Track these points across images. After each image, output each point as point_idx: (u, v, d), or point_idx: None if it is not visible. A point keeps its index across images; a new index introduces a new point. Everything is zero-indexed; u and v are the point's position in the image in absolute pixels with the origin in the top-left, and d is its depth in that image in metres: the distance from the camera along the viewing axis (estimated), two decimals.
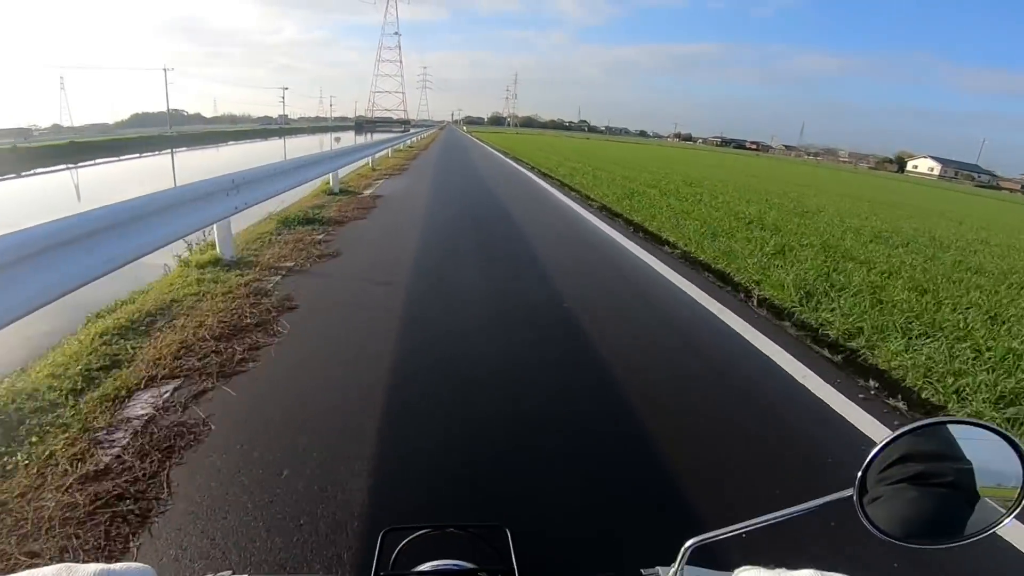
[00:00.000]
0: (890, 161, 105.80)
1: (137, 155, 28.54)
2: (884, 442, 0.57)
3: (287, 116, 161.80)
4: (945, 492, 0.57)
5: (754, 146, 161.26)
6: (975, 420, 0.59)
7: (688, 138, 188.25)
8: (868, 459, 0.58)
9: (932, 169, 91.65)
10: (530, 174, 14.20)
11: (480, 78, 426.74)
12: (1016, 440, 0.55)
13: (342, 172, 9.29)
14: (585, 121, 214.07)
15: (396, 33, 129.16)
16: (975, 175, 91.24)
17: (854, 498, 0.58)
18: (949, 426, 0.59)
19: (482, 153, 22.69)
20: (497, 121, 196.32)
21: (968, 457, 0.57)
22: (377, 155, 13.89)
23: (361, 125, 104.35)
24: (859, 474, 0.58)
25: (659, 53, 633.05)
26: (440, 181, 11.49)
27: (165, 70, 52.01)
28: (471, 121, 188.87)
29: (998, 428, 0.57)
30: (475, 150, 25.16)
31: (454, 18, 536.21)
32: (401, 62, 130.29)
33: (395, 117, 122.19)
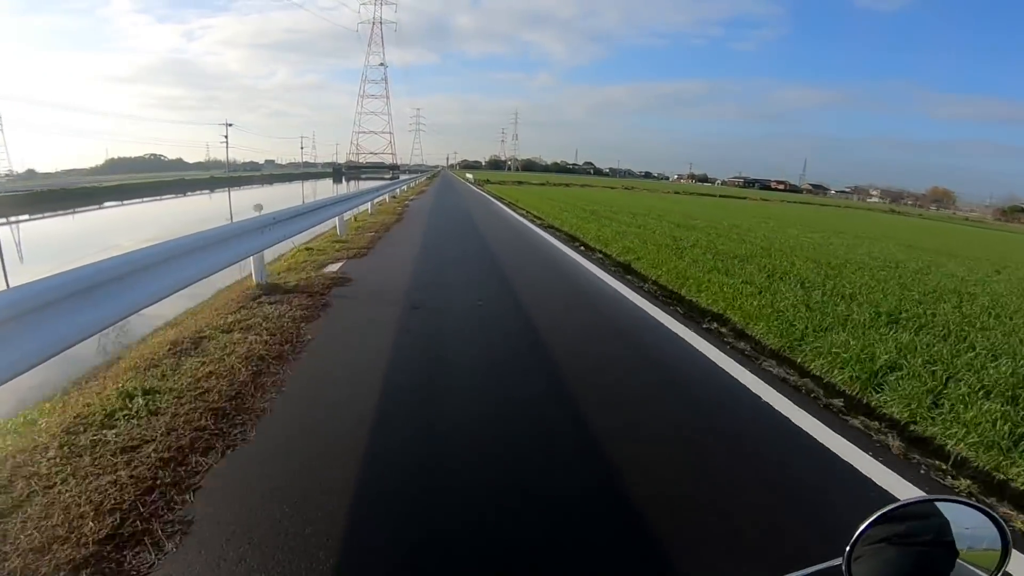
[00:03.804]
0: (1021, 209, 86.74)
1: None
2: (872, 519, 0.62)
3: (274, 161, 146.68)
4: (924, 551, 0.61)
5: (781, 186, 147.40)
6: (958, 498, 0.65)
7: (704, 179, 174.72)
8: (857, 533, 0.62)
9: None
10: None
11: (473, 122, 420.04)
12: (994, 513, 0.61)
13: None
14: (590, 163, 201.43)
15: (382, 64, 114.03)
16: None
17: (843, 567, 0.62)
18: (934, 503, 0.64)
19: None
20: (496, 165, 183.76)
21: (947, 525, 0.61)
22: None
23: (340, 171, 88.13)
24: (847, 548, 0.62)
25: (647, 91, 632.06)
26: None
27: None
28: (468, 165, 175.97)
29: (978, 504, 0.63)
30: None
31: (443, 62, 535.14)
32: (388, 98, 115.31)
33: (387, 162, 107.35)
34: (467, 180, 46.79)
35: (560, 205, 18.66)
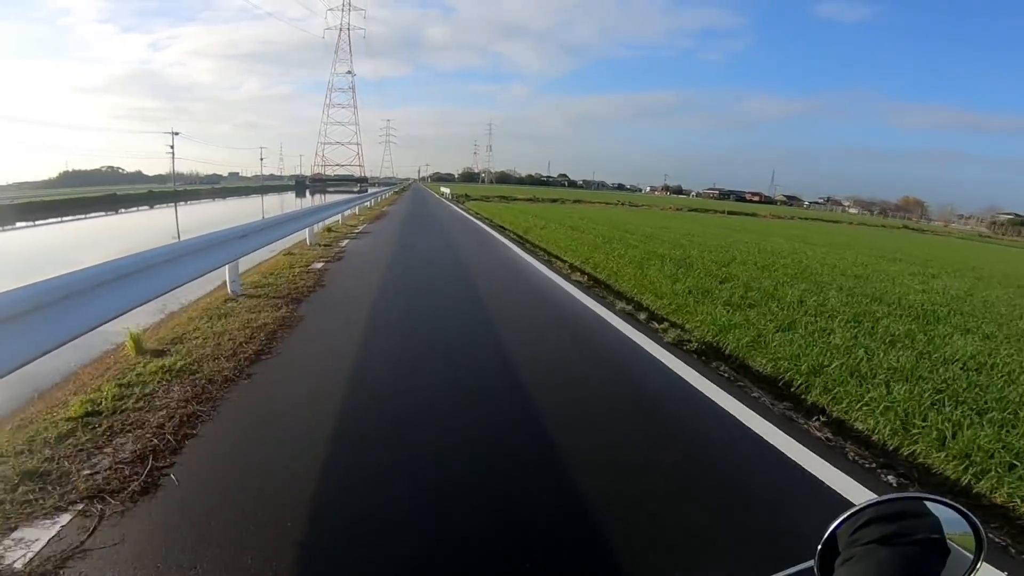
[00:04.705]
0: (1021, 222, 78.23)
1: None
2: (842, 517, 0.59)
3: (238, 173, 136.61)
4: (916, 551, 0.58)
5: (756, 197, 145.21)
6: (932, 495, 0.61)
7: (679, 190, 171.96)
8: (828, 532, 0.60)
9: None
10: None
11: (446, 134, 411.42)
12: (965, 510, 0.59)
13: None
14: (564, 175, 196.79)
15: (349, 72, 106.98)
16: None
17: (815, 570, 0.59)
18: (907, 501, 0.62)
19: None
20: (469, 177, 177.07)
21: (938, 523, 0.59)
22: None
23: (304, 184, 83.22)
24: (819, 547, 0.59)
25: (621, 103, 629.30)
26: None
27: None
28: (441, 178, 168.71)
29: (950, 501, 0.59)
30: None
31: (417, 73, 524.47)
32: (356, 107, 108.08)
33: (355, 175, 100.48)
34: (443, 195, 39.50)
35: (611, 247, 11.50)
